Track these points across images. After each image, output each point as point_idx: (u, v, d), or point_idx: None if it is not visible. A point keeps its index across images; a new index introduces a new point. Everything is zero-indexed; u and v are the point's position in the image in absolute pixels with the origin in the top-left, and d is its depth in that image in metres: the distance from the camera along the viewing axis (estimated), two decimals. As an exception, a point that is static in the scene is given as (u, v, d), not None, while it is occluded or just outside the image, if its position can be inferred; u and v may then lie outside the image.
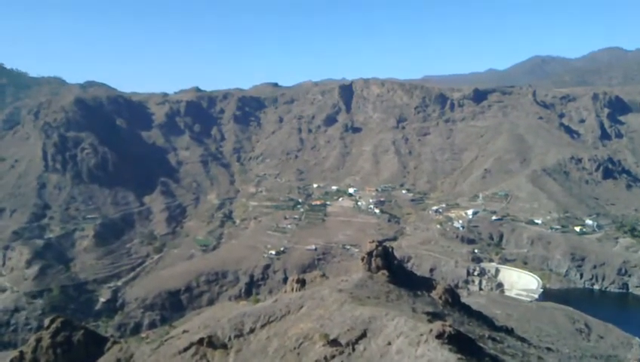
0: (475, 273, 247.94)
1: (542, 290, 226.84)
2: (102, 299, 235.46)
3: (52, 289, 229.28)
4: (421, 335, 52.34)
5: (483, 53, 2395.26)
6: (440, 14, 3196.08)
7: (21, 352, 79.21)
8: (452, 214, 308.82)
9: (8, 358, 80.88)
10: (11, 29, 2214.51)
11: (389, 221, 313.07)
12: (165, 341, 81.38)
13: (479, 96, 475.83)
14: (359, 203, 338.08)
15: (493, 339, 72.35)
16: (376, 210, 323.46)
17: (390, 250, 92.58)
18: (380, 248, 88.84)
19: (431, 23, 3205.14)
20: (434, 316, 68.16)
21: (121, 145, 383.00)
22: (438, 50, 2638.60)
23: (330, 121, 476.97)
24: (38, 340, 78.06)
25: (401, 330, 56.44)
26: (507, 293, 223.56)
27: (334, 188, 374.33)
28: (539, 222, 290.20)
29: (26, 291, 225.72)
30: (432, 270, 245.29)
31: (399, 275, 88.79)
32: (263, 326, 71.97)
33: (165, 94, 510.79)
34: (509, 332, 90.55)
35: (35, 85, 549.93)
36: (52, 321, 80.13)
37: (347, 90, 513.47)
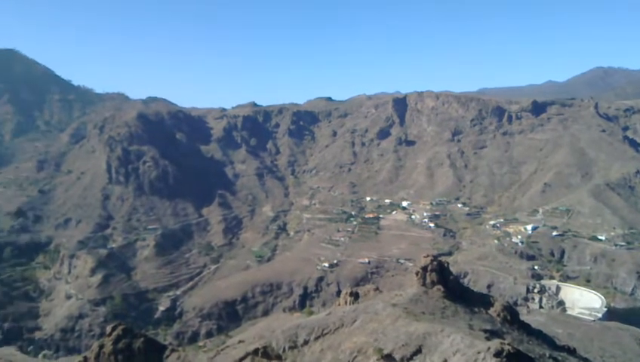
0: (535, 290, 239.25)
1: (606, 309, 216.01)
2: (161, 308, 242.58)
3: (114, 297, 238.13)
4: (478, 353, 51.23)
5: (541, 64, 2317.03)
6: (496, 26, 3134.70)
7: (85, 358, 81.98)
8: (510, 229, 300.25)
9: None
10: (79, 49, 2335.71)
11: (444, 235, 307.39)
12: (222, 350, 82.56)
13: (538, 108, 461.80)
14: (413, 216, 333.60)
15: (555, 359, 69.82)
16: (431, 224, 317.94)
17: (446, 264, 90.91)
18: (435, 263, 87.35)
19: (487, 35, 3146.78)
20: (492, 334, 66.55)
21: (181, 159, 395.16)
22: (495, 62, 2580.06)
23: (384, 134, 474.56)
24: (101, 346, 80.00)
25: (457, 347, 55.44)
26: (569, 312, 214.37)
27: (387, 201, 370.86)
28: (602, 238, 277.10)
29: (89, 298, 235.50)
30: (489, 286, 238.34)
31: (455, 291, 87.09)
32: (316, 338, 71.98)
33: (223, 109, 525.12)
34: (571, 352, 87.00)
35: (100, 101, 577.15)
36: (114, 328, 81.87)
37: (401, 104, 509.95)
